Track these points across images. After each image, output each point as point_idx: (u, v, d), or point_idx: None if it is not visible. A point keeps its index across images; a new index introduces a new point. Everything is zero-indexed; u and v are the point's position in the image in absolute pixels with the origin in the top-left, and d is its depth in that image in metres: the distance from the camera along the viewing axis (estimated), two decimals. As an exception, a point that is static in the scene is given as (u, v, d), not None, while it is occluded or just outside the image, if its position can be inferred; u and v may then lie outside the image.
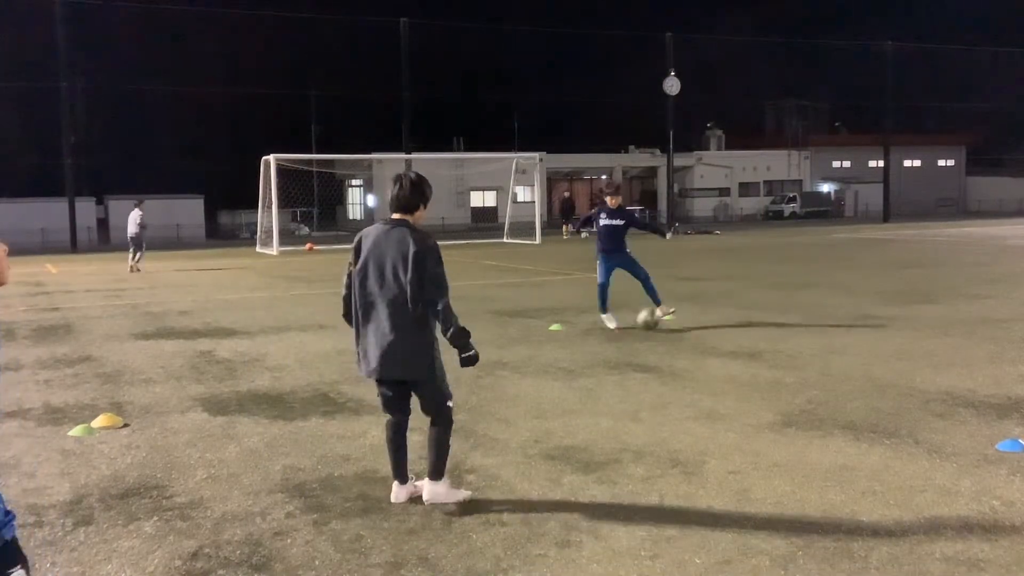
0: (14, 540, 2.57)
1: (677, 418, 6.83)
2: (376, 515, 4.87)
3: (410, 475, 5.11)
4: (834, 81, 73.01)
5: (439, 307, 4.72)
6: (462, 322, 4.78)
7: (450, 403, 4.97)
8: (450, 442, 5.00)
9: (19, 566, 2.59)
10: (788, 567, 4.08)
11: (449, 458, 5.03)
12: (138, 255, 24.56)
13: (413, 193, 4.97)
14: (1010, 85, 65.26)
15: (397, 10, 44.50)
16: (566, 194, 43.69)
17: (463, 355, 4.77)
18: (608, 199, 11.59)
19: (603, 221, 11.63)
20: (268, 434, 6.64)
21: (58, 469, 5.88)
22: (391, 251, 4.80)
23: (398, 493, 5.07)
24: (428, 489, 4.97)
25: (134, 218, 24.87)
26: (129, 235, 24.88)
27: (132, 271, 23.96)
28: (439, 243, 5.20)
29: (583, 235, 12.16)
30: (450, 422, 4.98)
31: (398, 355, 4.77)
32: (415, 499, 5.05)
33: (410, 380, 4.90)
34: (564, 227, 39.07)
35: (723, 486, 5.22)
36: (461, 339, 4.72)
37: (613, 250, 11.65)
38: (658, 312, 11.53)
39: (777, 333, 10.77)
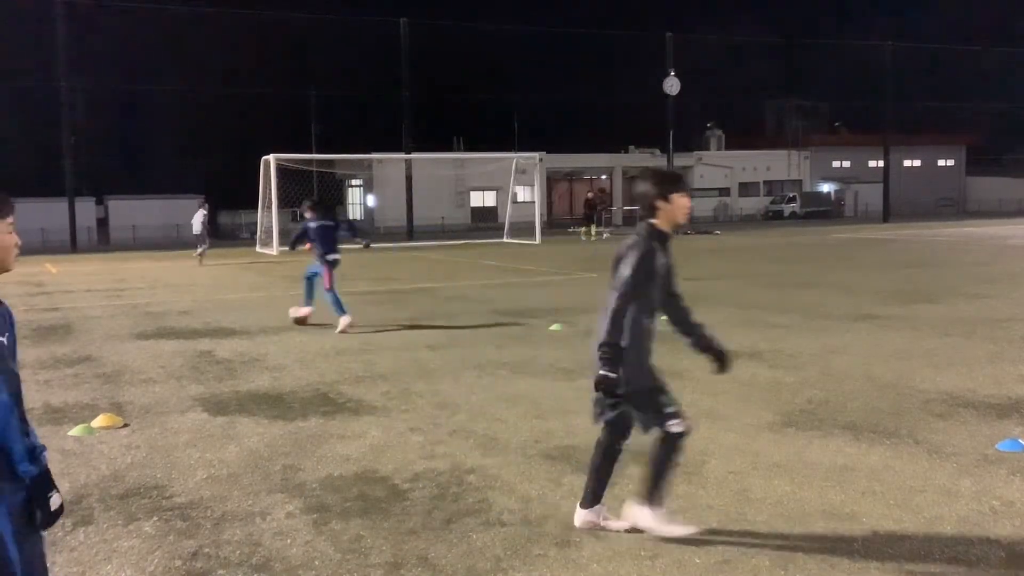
0: (48, 469, 2.72)
1: (677, 418, 6.82)
2: (376, 515, 4.87)
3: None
4: (834, 81, 73.02)
5: (608, 313, 4.23)
6: (607, 339, 4.26)
7: (673, 425, 4.38)
8: (671, 470, 4.48)
9: (55, 491, 2.73)
10: (788, 567, 4.08)
11: (662, 486, 4.47)
12: (200, 249, 27.34)
13: (639, 191, 4.43)
14: (1010, 85, 65.29)
15: (397, 10, 44.53)
16: (589, 194, 43.25)
17: (595, 378, 4.34)
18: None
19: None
20: (268, 434, 6.64)
21: (58, 469, 5.87)
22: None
23: (581, 516, 4.63)
24: (637, 511, 4.50)
25: (198, 218, 27.66)
26: (194, 232, 27.77)
27: (200, 264, 26.47)
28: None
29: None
30: (672, 448, 4.43)
31: (595, 361, 4.38)
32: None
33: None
34: (585, 228, 38.46)
35: (723, 486, 5.22)
36: (603, 354, 4.25)
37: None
38: (304, 311, 12.56)
39: (777, 333, 10.77)
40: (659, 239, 4.34)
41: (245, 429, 6.81)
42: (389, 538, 4.54)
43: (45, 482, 2.72)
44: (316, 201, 13.19)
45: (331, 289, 12.18)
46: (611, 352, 4.22)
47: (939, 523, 4.57)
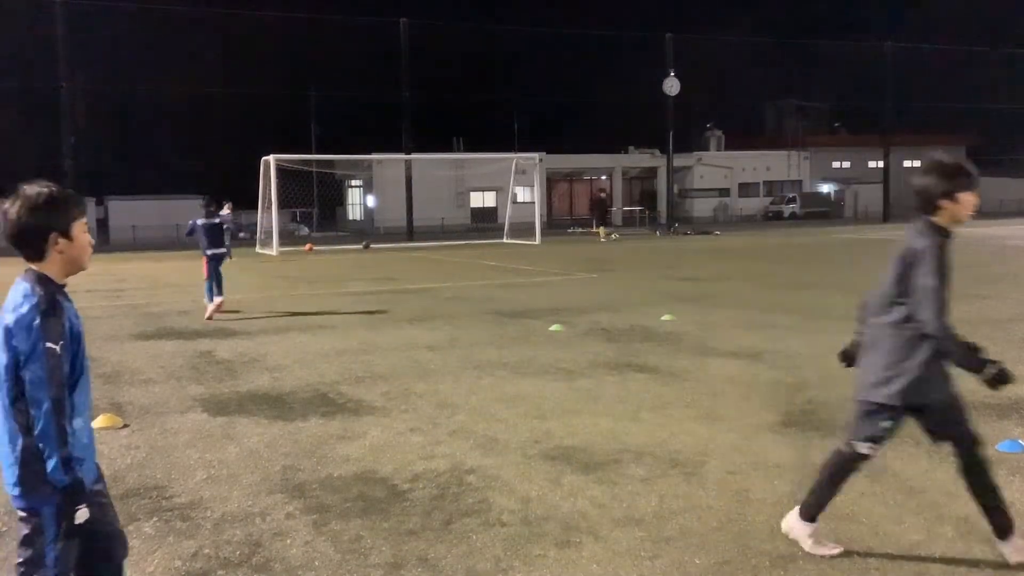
0: (80, 481, 2.81)
1: (677, 418, 6.83)
2: (376, 515, 4.87)
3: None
4: (834, 81, 73.00)
5: (929, 329, 3.83)
6: (956, 338, 3.88)
7: (864, 447, 4.10)
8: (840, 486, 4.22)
9: (84, 505, 2.81)
10: (788, 567, 4.08)
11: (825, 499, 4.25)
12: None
13: (921, 184, 3.99)
14: (1010, 85, 65.29)
15: (397, 10, 44.55)
16: (602, 194, 42.80)
17: (983, 378, 3.91)
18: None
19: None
20: (268, 434, 6.64)
21: (58, 469, 5.87)
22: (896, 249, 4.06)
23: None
24: (793, 521, 4.29)
25: (223, 215, 27.97)
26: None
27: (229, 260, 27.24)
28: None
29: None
30: (850, 463, 4.17)
31: (867, 371, 4.14)
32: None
33: (876, 403, 4.10)
34: (599, 229, 38.02)
35: (723, 486, 5.22)
36: (969, 362, 3.89)
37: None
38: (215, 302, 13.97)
39: (777, 333, 10.77)
40: (945, 237, 3.96)
41: (245, 429, 6.81)
42: (389, 538, 4.54)
43: (74, 494, 2.77)
44: (208, 200, 15.20)
45: (207, 279, 14.13)
46: (971, 351, 3.89)
47: (939, 523, 4.57)
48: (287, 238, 37.63)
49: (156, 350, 10.71)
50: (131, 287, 19.53)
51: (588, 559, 4.23)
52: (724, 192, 66.76)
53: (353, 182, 60.29)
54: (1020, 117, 65.19)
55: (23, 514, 2.83)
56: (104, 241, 48.00)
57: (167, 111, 64.20)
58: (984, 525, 4.50)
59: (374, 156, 49.02)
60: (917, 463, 5.58)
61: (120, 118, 62.86)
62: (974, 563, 4.08)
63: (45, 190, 2.86)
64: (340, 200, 62.51)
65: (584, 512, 4.83)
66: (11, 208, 2.82)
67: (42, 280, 2.82)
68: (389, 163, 49.24)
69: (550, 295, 15.89)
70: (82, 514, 2.78)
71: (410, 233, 42.16)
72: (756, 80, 73.61)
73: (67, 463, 2.74)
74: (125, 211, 51.30)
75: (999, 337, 10.21)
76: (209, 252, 14.33)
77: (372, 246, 35.06)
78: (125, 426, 6.99)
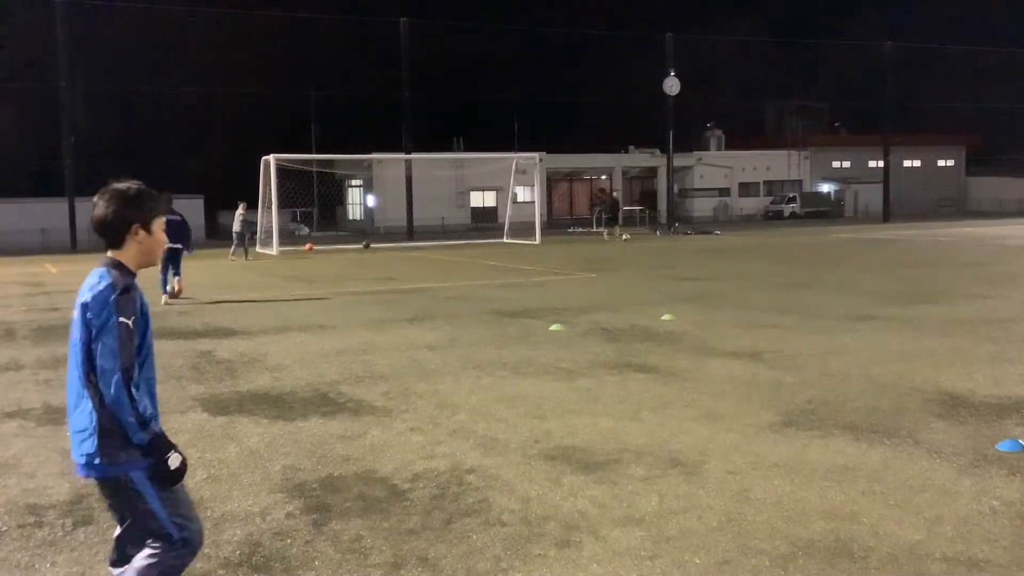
0: (161, 433, 3.14)
1: (677, 418, 6.83)
2: (376, 515, 4.87)
3: None
4: (834, 81, 73.04)
5: None
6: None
7: None
8: None
9: (173, 451, 3.18)
10: (788, 567, 4.08)
11: None
12: (234, 249, 29.38)
13: None
14: (1010, 85, 65.30)
15: (397, 10, 44.55)
16: (615, 193, 42.57)
17: None
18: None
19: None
20: (268, 434, 6.64)
21: (58, 469, 5.87)
22: None
23: None
24: None
25: (237, 216, 29.59)
26: (234, 231, 29.80)
27: (235, 260, 28.41)
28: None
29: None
30: None
31: None
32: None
33: None
34: (605, 228, 37.66)
35: (723, 486, 5.22)
36: None
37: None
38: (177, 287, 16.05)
39: (777, 333, 10.77)
40: None
41: (245, 429, 6.81)
42: (389, 538, 4.54)
43: (160, 445, 3.09)
44: (167, 198, 16.20)
45: (162, 271, 15.73)
46: None
47: (939, 523, 4.57)
48: (287, 238, 37.65)
49: (156, 350, 10.66)
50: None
51: (588, 559, 4.23)
52: (724, 192, 66.80)
53: (353, 182, 60.31)
54: (1020, 117, 65.18)
55: (109, 499, 3.11)
56: (104, 241, 48.00)
57: (167, 111, 64.26)
58: (984, 525, 4.51)
59: (374, 156, 49.06)
60: (917, 463, 5.58)
61: (120, 118, 62.85)
62: (974, 563, 4.08)
63: (134, 186, 3.21)
64: (340, 200, 62.55)
65: (584, 512, 4.83)
66: (101, 200, 3.15)
67: (117, 265, 3.16)
68: (389, 163, 49.27)
69: (550, 295, 15.89)
70: (174, 459, 3.10)
71: (410, 233, 42.19)
72: (756, 80, 73.69)
73: (143, 423, 3.01)
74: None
75: (999, 337, 10.21)
76: (168, 245, 15.64)
77: (372, 246, 35.05)
78: (125, 426, 6.99)
